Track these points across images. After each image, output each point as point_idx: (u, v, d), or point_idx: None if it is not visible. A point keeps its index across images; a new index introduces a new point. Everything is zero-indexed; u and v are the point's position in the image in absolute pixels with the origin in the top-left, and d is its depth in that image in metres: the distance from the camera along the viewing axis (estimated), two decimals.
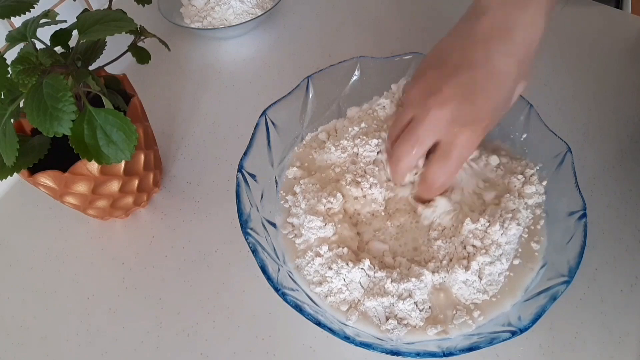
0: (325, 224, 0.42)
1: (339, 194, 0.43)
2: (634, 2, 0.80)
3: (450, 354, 0.34)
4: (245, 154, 0.43)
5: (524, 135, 0.46)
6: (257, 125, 0.45)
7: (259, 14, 0.68)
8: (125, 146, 0.38)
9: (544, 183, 0.43)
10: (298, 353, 0.42)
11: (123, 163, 0.44)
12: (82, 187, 0.43)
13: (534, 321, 0.35)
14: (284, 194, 0.47)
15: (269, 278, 0.37)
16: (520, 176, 0.44)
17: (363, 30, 0.69)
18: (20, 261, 0.50)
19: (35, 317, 0.46)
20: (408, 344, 0.37)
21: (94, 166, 0.42)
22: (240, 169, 0.42)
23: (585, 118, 0.55)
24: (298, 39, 0.69)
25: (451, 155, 0.39)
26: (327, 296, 0.40)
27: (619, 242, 0.46)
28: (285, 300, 0.36)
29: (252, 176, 0.43)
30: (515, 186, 0.44)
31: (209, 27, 0.67)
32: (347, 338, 0.35)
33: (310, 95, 0.49)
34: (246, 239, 0.39)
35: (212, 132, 0.59)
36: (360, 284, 0.40)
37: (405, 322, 0.38)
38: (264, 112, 0.46)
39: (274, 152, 0.47)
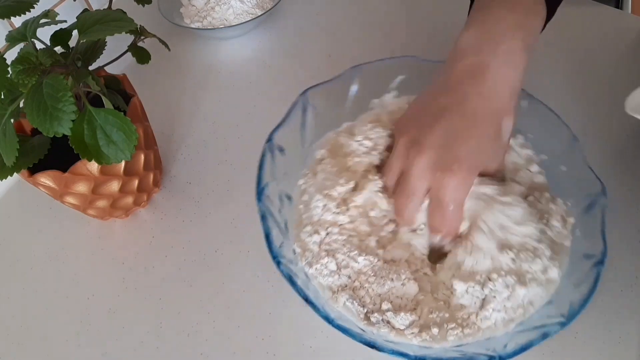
0: (339, 212, 0.42)
1: (364, 191, 0.43)
2: (634, 2, 0.80)
3: (423, 359, 0.34)
4: (278, 126, 0.43)
5: (563, 168, 0.44)
6: (294, 103, 0.45)
7: (259, 14, 0.68)
8: (125, 146, 0.38)
9: (572, 220, 0.42)
10: (298, 353, 0.42)
11: (123, 163, 0.44)
12: (82, 187, 0.43)
13: (516, 353, 0.34)
14: (307, 172, 0.47)
15: (270, 245, 0.37)
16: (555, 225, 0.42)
17: (363, 30, 0.69)
18: (20, 261, 0.50)
19: (35, 317, 0.46)
20: (387, 341, 0.37)
21: (94, 166, 0.42)
22: (269, 139, 0.42)
23: (585, 118, 0.55)
24: (298, 39, 0.69)
25: (442, 200, 0.39)
26: (320, 275, 0.40)
27: (619, 241, 0.46)
28: (279, 269, 0.36)
29: (281, 150, 0.43)
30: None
31: (209, 27, 0.67)
32: (327, 318, 0.35)
33: (356, 87, 0.49)
34: (258, 205, 0.39)
35: (212, 132, 0.59)
36: (349, 275, 0.40)
37: (390, 323, 0.38)
38: (304, 92, 0.46)
39: (308, 134, 0.47)
